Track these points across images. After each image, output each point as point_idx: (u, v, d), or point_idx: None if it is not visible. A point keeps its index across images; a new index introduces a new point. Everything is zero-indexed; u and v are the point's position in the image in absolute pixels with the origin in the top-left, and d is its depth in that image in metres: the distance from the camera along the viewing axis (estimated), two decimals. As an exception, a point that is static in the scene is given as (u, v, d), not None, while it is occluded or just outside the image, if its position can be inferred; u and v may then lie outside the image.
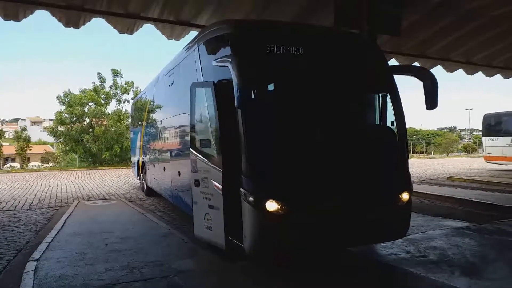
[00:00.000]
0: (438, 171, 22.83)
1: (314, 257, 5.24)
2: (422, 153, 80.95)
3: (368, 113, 5.63)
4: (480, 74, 15.56)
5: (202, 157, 5.04)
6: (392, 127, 5.29)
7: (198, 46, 6.06)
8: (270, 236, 4.34)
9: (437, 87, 4.99)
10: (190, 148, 5.37)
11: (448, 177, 17.41)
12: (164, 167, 9.11)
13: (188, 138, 6.84)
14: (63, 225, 7.44)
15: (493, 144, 21.80)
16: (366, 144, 5.02)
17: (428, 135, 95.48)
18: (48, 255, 5.40)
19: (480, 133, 26.94)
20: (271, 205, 4.20)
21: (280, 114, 4.70)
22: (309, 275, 4.70)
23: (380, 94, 5.43)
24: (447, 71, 14.95)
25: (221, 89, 4.75)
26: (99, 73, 37.30)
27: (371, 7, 7.60)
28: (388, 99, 5.31)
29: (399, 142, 5.25)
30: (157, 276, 4.58)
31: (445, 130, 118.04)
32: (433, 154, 78.76)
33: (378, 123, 5.54)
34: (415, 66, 5.65)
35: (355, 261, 5.38)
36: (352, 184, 4.65)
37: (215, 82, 4.93)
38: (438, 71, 14.22)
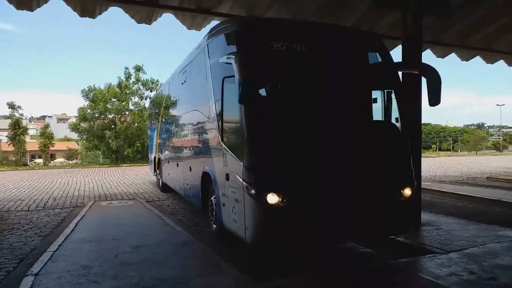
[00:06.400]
0: (474, 170, 21.48)
1: (314, 249, 5.36)
2: (449, 150, 78.61)
3: (370, 109, 5.59)
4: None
5: (230, 151, 5.06)
6: (394, 123, 5.34)
7: (207, 44, 6.21)
8: (271, 228, 4.46)
9: (440, 83, 5.00)
10: (221, 142, 5.36)
11: (487, 177, 16.18)
12: (177, 163, 9.40)
13: (196, 136, 7.28)
14: (73, 229, 6.81)
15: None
16: (367, 140, 5.00)
17: (455, 132, 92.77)
18: (49, 268, 4.73)
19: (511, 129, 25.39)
20: (272, 198, 4.31)
21: (281, 110, 4.85)
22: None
23: (383, 91, 5.47)
24: (487, 63, 13.84)
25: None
26: (126, 68, 37.48)
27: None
28: (392, 95, 5.35)
29: (402, 138, 5.30)
30: (172, 300, 3.83)
31: (473, 127, 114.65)
32: (460, 151, 76.32)
33: (380, 119, 5.54)
34: (419, 62, 5.95)
35: (405, 279, 4.53)
36: (352, 179, 4.68)
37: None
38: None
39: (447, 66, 38.35)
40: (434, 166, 25.18)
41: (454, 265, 4.74)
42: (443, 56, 12.48)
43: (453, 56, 12.68)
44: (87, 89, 36.81)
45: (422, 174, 7.43)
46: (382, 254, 5.49)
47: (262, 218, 4.42)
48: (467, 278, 4.33)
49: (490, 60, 13.69)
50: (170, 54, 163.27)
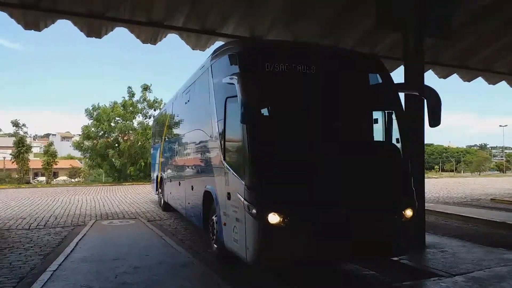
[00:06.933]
0: (477, 191, 21.32)
1: (314, 268, 5.39)
2: (452, 171, 78.14)
3: (370, 130, 5.66)
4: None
5: (232, 170, 5.08)
6: (395, 144, 5.38)
7: (211, 65, 6.31)
8: (272, 247, 4.46)
9: (440, 104, 5.16)
10: (223, 161, 5.37)
11: (492, 199, 16.03)
12: (179, 182, 9.42)
13: (198, 154, 7.36)
14: (73, 249, 6.75)
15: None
16: (368, 161, 5.05)
17: (457, 152, 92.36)
18: (48, 288, 4.69)
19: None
20: (273, 218, 4.33)
21: (283, 130, 4.90)
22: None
23: (384, 112, 5.52)
24: (489, 83, 13.97)
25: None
26: (129, 87, 37.72)
27: (418, 5, 6.68)
28: (392, 116, 5.41)
29: (403, 159, 5.31)
30: (171, 323, 3.76)
31: (475, 147, 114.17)
32: (463, 172, 75.86)
33: (380, 140, 5.59)
34: (419, 84, 6.03)
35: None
36: (353, 200, 4.73)
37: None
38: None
39: (449, 86, 38.56)
40: (437, 187, 25.03)
41: (460, 289, 4.65)
42: (444, 77, 12.57)
43: (455, 77, 12.77)
44: (91, 108, 37.06)
45: (425, 195, 7.37)
46: (386, 276, 5.39)
47: (263, 238, 4.42)
48: (473, 303, 4.24)
49: (492, 81, 13.77)
50: (173, 74, 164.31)
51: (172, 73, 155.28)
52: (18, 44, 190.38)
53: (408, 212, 4.98)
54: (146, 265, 5.72)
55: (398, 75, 11.60)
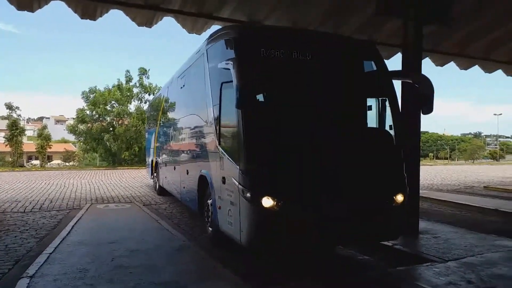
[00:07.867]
0: (471, 179, 21.53)
1: (307, 252, 5.54)
2: (446, 159, 78.65)
3: (364, 117, 5.68)
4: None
5: (227, 155, 5.14)
6: (388, 130, 5.45)
7: (207, 49, 6.30)
8: (265, 231, 4.55)
9: (433, 92, 5.17)
10: (218, 146, 5.41)
11: (485, 186, 16.19)
12: (174, 167, 9.48)
13: (194, 139, 7.38)
14: (69, 232, 6.76)
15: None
16: (360, 146, 5.11)
17: (452, 140, 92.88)
18: (45, 271, 4.68)
19: (509, 139, 25.39)
20: (267, 201, 4.41)
21: (277, 115, 4.93)
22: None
23: (377, 98, 5.56)
24: (485, 72, 13.88)
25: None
26: (127, 71, 37.27)
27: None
28: (386, 103, 5.44)
29: (395, 145, 5.36)
30: (168, 305, 3.79)
31: (470, 135, 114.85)
32: (457, 160, 76.43)
33: (373, 126, 5.64)
34: (413, 72, 6.09)
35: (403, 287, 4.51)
36: (345, 184, 4.85)
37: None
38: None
39: (445, 74, 38.62)
40: (432, 174, 25.24)
41: (452, 274, 4.72)
42: (442, 65, 12.50)
43: (451, 65, 12.74)
44: (87, 90, 36.65)
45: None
46: (380, 262, 5.47)
47: (256, 221, 4.51)
48: (465, 287, 4.31)
49: (488, 69, 13.72)
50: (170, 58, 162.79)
51: (168, 59, 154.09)
52: (11, 26, 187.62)
53: (399, 197, 5.08)
54: (142, 248, 5.74)
55: (394, 63, 11.46)
